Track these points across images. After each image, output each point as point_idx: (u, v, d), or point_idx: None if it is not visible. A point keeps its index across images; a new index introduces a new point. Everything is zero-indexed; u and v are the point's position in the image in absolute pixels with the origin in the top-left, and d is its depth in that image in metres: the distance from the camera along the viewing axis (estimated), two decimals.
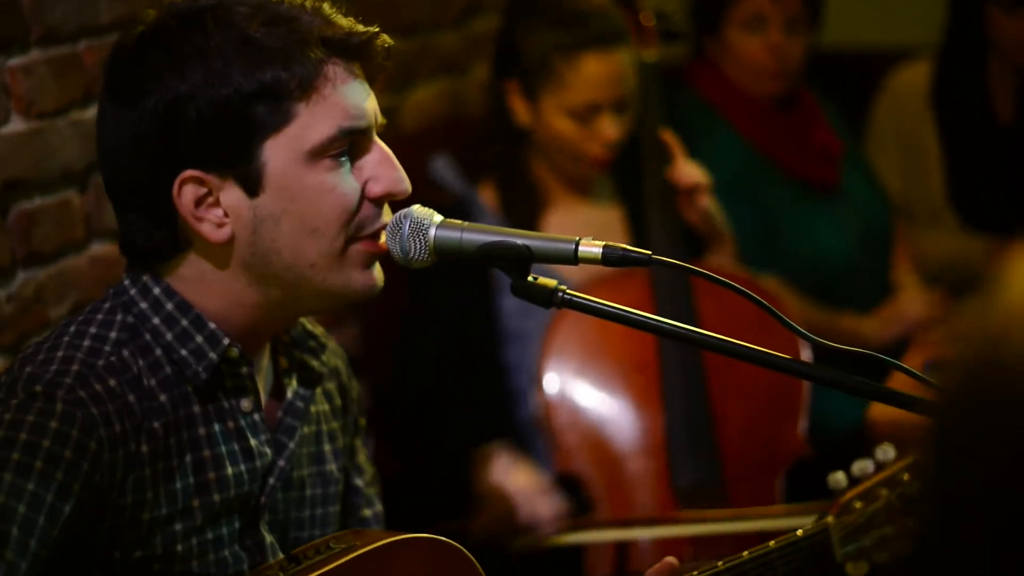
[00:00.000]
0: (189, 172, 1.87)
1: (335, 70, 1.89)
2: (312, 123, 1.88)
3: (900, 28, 4.85)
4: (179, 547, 1.91)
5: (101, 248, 2.79)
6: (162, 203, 1.89)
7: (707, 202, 3.34)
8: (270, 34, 1.87)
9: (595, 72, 3.25)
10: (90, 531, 1.83)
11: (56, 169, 2.68)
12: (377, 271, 1.96)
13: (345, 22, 1.91)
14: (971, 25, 4.04)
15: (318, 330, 2.14)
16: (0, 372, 1.95)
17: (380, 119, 1.95)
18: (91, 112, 2.74)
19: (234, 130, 1.86)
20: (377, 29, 1.92)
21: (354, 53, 1.91)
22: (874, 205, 3.98)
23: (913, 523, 1.08)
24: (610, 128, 3.27)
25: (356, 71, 1.92)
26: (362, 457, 2.25)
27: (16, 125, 2.59)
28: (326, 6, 1.92)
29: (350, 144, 1.91)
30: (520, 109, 3.33)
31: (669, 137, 3.37)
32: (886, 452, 2.22)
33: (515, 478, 3.07)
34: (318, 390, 2.11)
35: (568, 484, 3.17)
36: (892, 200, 4.09)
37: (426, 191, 3.29)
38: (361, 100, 1.91)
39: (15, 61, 2.59)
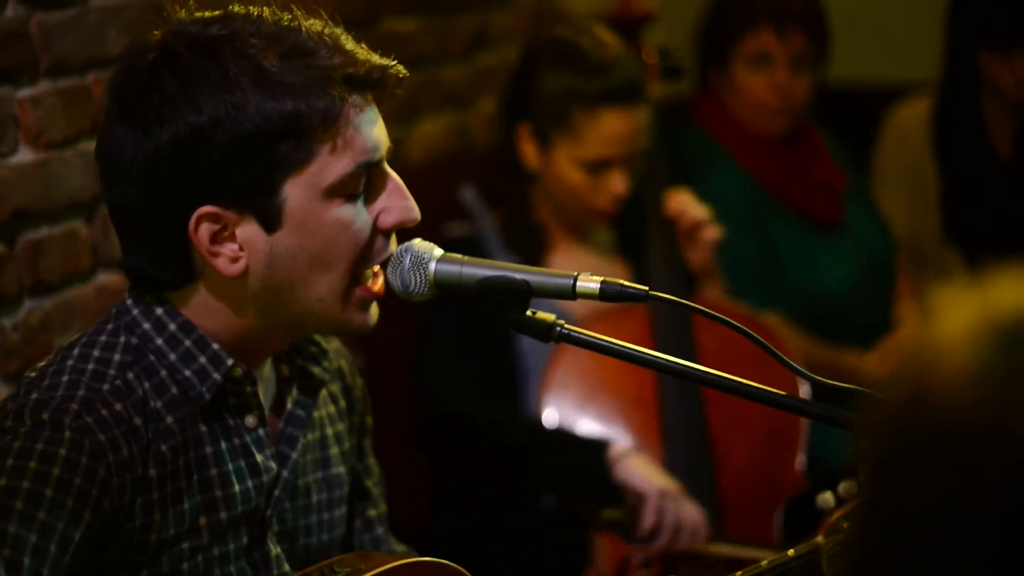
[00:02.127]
0: (207, 208, 1.85)
1: (353, 106, 1.88)
2: (332, 160, 1.86)
3: (901, 64, 4.88)
4: (185, 565, 1.91)
5: (107, 278, 2.80)
6: (175, 236, 1.88)
7: (714, 239, 3.35)
8: (287, 68, 1.84)
9: (612, 129, 3.23)
10: (99, 556, 1.83)
11: (63, 199, 2.70)
12: (373, 310, 1.97)
13: (363, 55, 1.89)
14: (965, 65, 4.08)
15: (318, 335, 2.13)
16: (4, 399, 1.95)
17: (388, 143, 1.94)
18: None
19: (256, 167, 1.84)
20: (393, 62, 1.91)
21: (371, 86, 1.90)
22: (876, 240, 3.99)
23: (853, 550, 1.09)
24: (620, 184, 3.25)
25: (368, 99, 1.91)
26: (371, 458, 2.25)
27: (24, 155, 2.62)
28: (343, 37, 1.89)
29: (366, 177, 1.91)
30: (530, 152, 3.31)
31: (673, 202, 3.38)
32: None
33: (659, 479, 3.05)
34: (322, 393, 2.10)
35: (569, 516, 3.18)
36: (898, 236, 4.11)
37: (439, 215, 3.34)
38: (375, 130, 1.90)
39: (24, 92, 2.62)
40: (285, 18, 1.89)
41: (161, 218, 1.88)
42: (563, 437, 3.16)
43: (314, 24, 1.89)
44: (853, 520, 1.12)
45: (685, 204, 3.36)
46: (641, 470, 3.05)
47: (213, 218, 1.86)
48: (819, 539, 2.16)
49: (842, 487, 2.23)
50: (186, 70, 1.85)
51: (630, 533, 3.05)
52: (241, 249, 1.88)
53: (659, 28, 3.71)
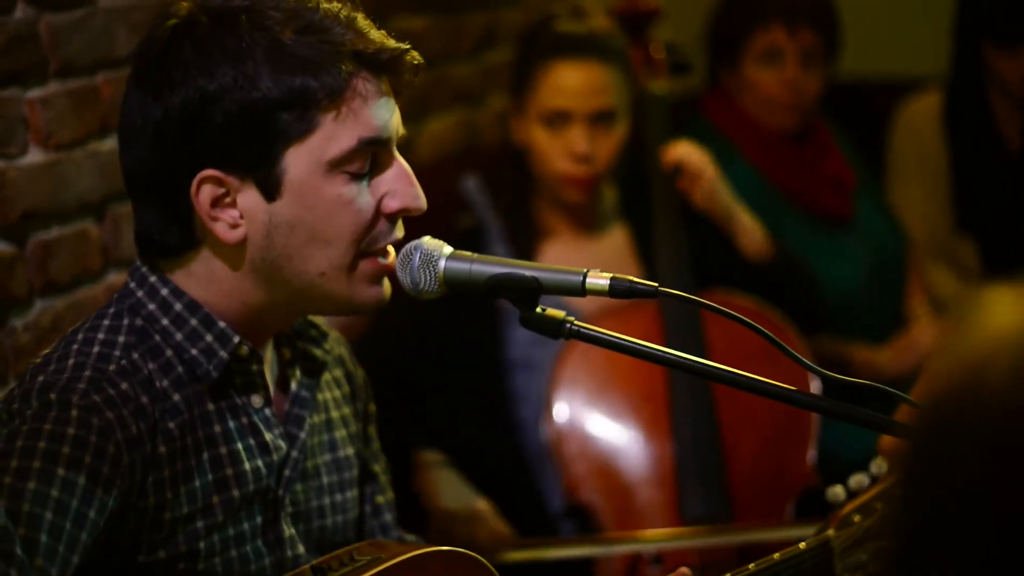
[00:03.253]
0: (209, 171, 1.88)
1: (363, 84, 1.90)
2: (335, 134, 1.89)
3: (909, 58, 4.88)
4: (201, 544, 1.93)
5: (118, 277, 2.81)
6: (178, 199, 1.91)
7: (711, 185, 3.35)
8: (302, 42, 1.87)
9: (566, 80, 3.28)
10: (114, 535, 1.84)
11: (73, 200, 2.70)
12: (385, 285, 1.98)
13: (377, 36, 1.92)
14: (972, 59, 4.10)
15: (318, 319, 2.15)
16: (12, 387, 1.96)
17: (401, 131, 1.96)
18: (108, 144, 2.77)
19: (258, 134, 1.87)
20: (408, 46, 1.93)
21: (384, 68, 1.92)
22: (887, 236, 3.99)
23: (889, 537, 1.09)
24: (579, 140, 3.27)
25: (383, 86, 1.93)
26: (377, 444, 2.26)
27: (34, 156, 2.62)
28: (360, 18, 1.92)
29: (371, 157, 1.93)
30: (515, 126, 3.39)
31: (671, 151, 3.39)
32: (880, 466, 2.23)
33: (448, 499, 3.06)
34: (325, 377, 2.12)
35: (577, 514, 3.18)
36: (912, 229, 4.11)
37: (449, 211, 3.34)
38: (385, 114, 1.92)
39: (33, 93, 2.62)
40: None
41: (166, 180, 1.91)
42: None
43: (333, 5, 1.92)
44: (889, 509, 1.11)
45: (685, 153, 3.37)
46: (439, 486, 3.08)
47: (215, 182, 1.89)
48: (830, 532, 2.15)
49: (852, 480, 2.23)
50: (203, 39, 1.88)
51: None
52: (241, 217, 1.90)
53: (667, 24, 3.70)
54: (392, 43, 1.93)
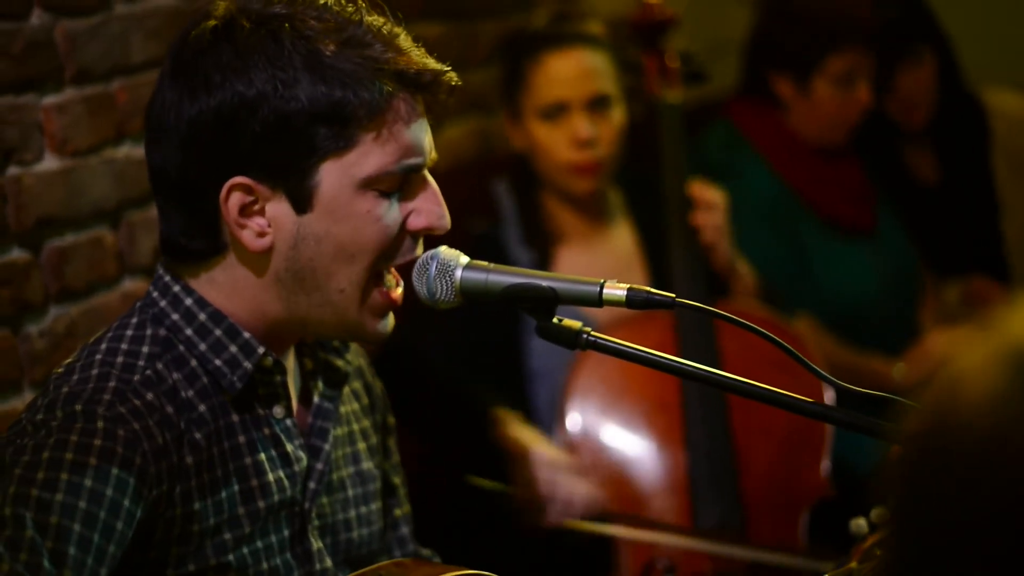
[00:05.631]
0: (240, 179, 1.87)
1: (403, 105, 1.89)
2: (372, 153, 1.88)
3: None
4: (231, 557, 1.92)
5: (133, 284, 2.81)
6: (206, 203, 1.89)
7: (722, 227, 3.36)
8: (343, 56, 1.86)
9: (556, 69, 3.34)
10: (142, 547, 1.84)
11: (88, 206, 2.71)
12: (389, 320, 1.98)
13: (418, 56, 1.91)
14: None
15: None
16: (34, 397, 1.95)
17: (433, 154, 1.95)
18: (124, 150, 2.78)
19: (294, 146, 1.86)
20: (447, 67, 1.93)
21: (423, 88, 1.91)
22: (904, 249, 3.99)
23: (883, 564, 1.11)
24: (582, 126, 3.32)
25: (419, 106, 1.92)
26: (396, 457, 2.26)
27: (50, 163, 2.63)
28: (402, 35, 1.92)
29: (403, 176, 1.92)
30: (513, 133, 3.42)
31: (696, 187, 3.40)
32: None
33: (548, 451, 3.08)
34: (346, 389, 2.12)
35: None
36: None
37: (462, 218, 3.35)
38: (422, 137, 1.92)
39: (49, 100, 2.63)
40: (348, 9, 1.91)
41: (195, 183, 1.90)
42: (464, 386, 3.21)
43: (376, 20, 1.91)
44: (884, 542, 1.13)
45: (708, 195, 3.39)
46: (529, 436, 3.09)
47: (245, 190, 1.88)
48: (852, 564, 2.15)
49: (875, 513, 2.22)
50: (244, 42, 1.87)
51: (508, 504, 3.05)
52: (269, 226, 1.89)
53: (681, 33, 3.70)
54: (433, 64, 1.92)
